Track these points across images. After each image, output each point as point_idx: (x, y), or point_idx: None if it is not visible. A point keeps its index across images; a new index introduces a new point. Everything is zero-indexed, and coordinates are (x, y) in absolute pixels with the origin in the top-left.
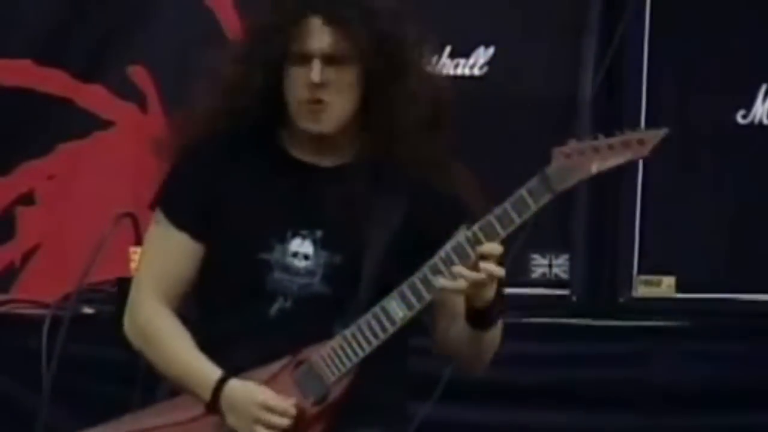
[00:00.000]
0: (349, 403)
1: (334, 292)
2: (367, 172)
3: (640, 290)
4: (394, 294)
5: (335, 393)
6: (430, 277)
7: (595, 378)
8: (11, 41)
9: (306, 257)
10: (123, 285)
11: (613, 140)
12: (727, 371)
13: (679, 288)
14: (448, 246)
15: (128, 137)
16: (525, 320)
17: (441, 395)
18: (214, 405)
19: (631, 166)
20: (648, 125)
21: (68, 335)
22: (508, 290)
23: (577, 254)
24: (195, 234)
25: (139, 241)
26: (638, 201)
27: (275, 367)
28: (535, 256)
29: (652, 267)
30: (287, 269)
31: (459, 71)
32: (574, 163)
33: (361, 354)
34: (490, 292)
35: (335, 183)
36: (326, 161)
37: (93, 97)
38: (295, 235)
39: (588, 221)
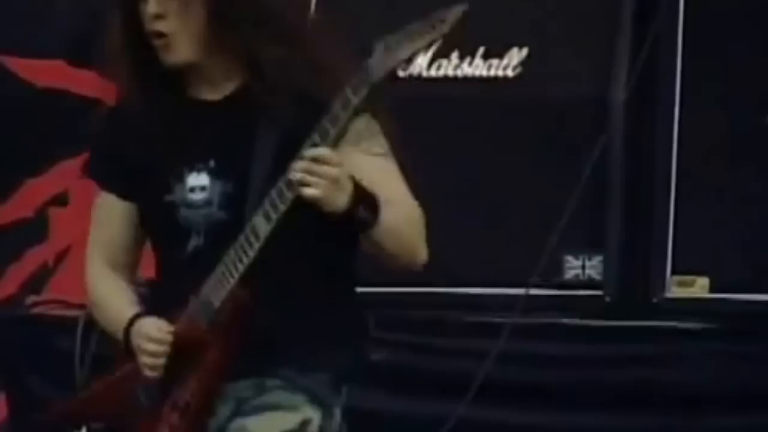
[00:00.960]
0: (262, 339)
1: (231, 218)
2: (247, 99)
3: (674, 291)
4: (259, 210)
5: (223, 316)
6: (282, 186)
7: (628, 379)
8: (45, 42)
9: (203, 189)
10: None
11: (419, 24)
12: (762, 372)
13: (713, 288)
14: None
15: None
16: (558, 321)
17: (474, 395)
18: (126, 347)
19: (665, 169)
20: (682, 126)
21: (101, 336)
22: (540, 291)
23: (611, 255)
24: (120, 194)
25: None
26: (672, 201)
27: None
28: (569, 257)
29: (685, 268)
30: (190, 205)
31: (492, 72)
32: (389, 52)
33: (236, 274)
34: (340, 198)
35: (221, 114)
36: (214, 94)
37: None
38: (191, 170)
39: (621, 222)
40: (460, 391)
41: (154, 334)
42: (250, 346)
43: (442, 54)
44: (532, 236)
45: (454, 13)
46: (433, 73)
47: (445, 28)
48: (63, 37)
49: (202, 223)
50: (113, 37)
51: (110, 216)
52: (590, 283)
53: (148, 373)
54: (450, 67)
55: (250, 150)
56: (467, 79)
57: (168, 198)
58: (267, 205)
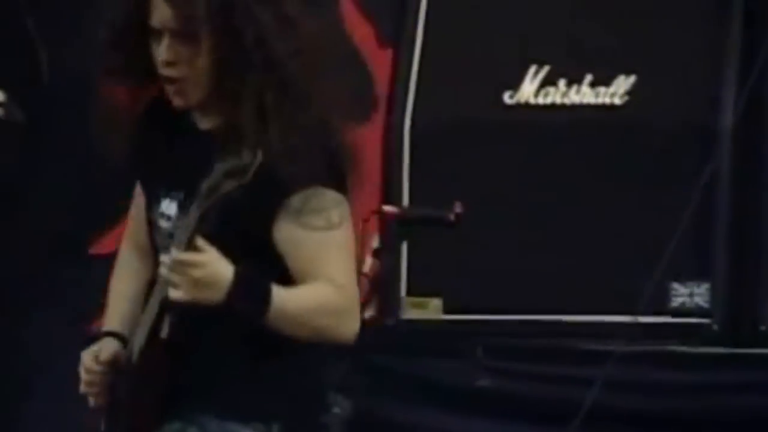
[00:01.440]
0: (196, 386)
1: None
2: (225, 136)
3: None
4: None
5: (135, 357)
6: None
7: (737, 406)
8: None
9: (169, 218)
10: None
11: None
12: None
13: None
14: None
15: None
16: (666, 349)
17: (581, 423)
18: None
19: None
20: None
21: None
22: (648, 319)
23: (718, 283)
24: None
25: None
26: None
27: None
28: (676, 285)
29: None
30: (158, 229)
31: (600, 100)
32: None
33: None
34: (210, 295)
35: (202, 145)
36: (203, 123)
37: None
38: (166, 196)
39: (728, 249)
40: (567, 419)
41: (86, 363)
42: (176, 391)
43: (549, 81)
44: (639, 264)
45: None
46: (540, 100)
47: (246, 179)
48: None
49: (164, 251)
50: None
51: (140, 202)
52: (698, 311)
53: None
54: (558, 94)
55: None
56: (575, 107)
57: (148, 214)
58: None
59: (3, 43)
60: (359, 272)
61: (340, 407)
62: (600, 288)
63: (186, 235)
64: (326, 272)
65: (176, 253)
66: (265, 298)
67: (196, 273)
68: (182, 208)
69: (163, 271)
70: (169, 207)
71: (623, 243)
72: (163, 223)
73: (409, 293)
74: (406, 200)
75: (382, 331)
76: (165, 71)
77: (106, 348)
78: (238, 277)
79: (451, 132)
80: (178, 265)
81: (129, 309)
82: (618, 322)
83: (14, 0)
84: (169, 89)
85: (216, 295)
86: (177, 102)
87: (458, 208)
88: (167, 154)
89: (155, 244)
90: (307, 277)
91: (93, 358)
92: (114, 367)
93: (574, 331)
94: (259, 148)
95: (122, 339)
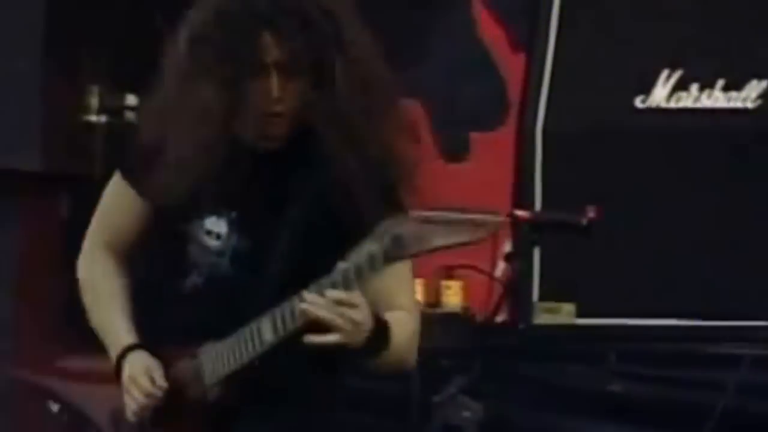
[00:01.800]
0: (243, 408)
1: (239, 277)
2: (296, 160)
3: None
4: (269, 314)
5: (212, 395)
6: (296, 306)
7: None
8: None
9: (218, 237)
10: None
11: (460, 217)
12: None
13: None
14: (326, 278)
15: None
16: None
17: (714, 427)
18: (117, 370)
19: None
20: None
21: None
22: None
23: None
24: (140, 192)
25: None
26: None
27: (176, 351)
28: None
29: None
30: (201, 244)
31: (731, 104)
32: (423, 231)
33: (234, 366)
34: (359, 338)
35: (261, 167)
36: (264, 144)
37: None
38: (212, 212)
39: None
40: (700, 423)
41: (146, 388)
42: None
43: (681, 86)
44: None
45: (493, 224)
46: (672, 104)
47: (480, 235)
48: None
49: (206, 268)
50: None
51: (122, 203)
52: None
53: (129, 415)
54: (689, 99)
55: (278, 216)
56: (706, 111)
57: (183, 226)
58: (278, 317)
59: (134, 45)
60: (492, 276)
61: (471, 411)
62: (733, 292)
63: (352, 285)
64: (403, 303)
65: (340, 294)
66: (387, 335)
67: (357, 316)
68: (234, 227)
69: (314, 309)
70: (216, 224)
71: (757, 247)
72: (210, 241)
73: (541, 298)
74: (538, 205)
75: (514, 335)
76: (273, 106)
77: (150, 366)
78: (374, 317)
79: (582, 136)
80: (344, 305)
81: (129, 314)
82: (751, 326)
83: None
84: (274, 122)
85: (361, 338)
86: (274, 132)
87: (591, 212)
88: (210, 168)
89: (184, 256)
90: (381, 306)
91: (150, 380)
92: (177, 392)
93: (707, 336)
94: (329, 172)
95: (145, 349)
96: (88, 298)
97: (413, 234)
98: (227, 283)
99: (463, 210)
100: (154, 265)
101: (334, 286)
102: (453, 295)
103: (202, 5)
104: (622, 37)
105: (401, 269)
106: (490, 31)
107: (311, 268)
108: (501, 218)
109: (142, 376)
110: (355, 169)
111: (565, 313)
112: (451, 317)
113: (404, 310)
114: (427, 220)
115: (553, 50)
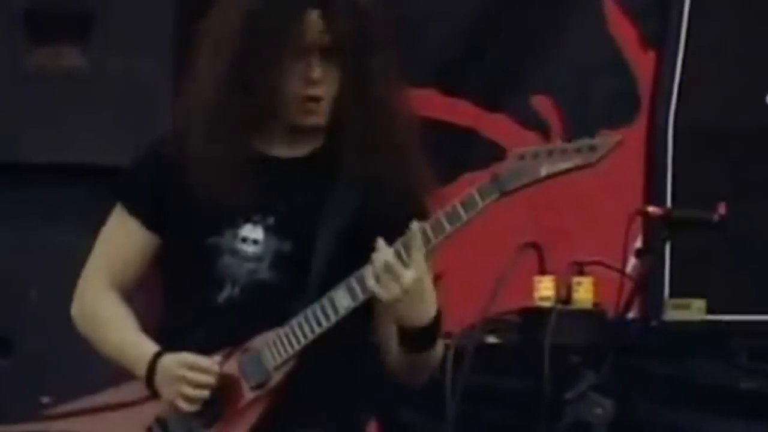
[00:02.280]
0: (294, 398)
1: (281, 280)
2: (327, 163)
3: None
4: (342, 284)
5: (276, 379)
6: (369, 283)
7: None
8: (417, 70)
9: (255, 242)
10: (527, 315)
11: (567, 145)
12: None
13: None
14: (400, 241)
15: None
16: None
17: None
18: (149, 380)
19: None
20: None
21: (472, 365)
22: None
23: None
24: (147, 221)
25: (543, 271)
26: None
27: (219, 354)
28: None
29: None
30: (236, 254)
31: None
32: (526, 165)
33: (303, 341)
34: (420, 312)
35: (293, 172)
36: (289, 152)
37: (497, 126)
38: (247, 221)
39: None
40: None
41: (202, 363)
42: (286, 408)
43: None
44: None
45: (607, 143)
46: None
47: (593, 158)
48: (434, 66)
49: (243, 277)
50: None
51: (126, 237)
52: None
53: (184, 405)
54: None
55: (318, 214)
56: None
57: (213, 240)
58: (354, 283)
59: None
60: (623, 273)
61: (602, 408)
62: None
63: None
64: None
65: (390, 257)
66: (436, 335)
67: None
68: (272, 231)
69: (378, 265)
70: (253, 231)
71: None
72: (247, 248)
73: (671, 294)
74: (669, 201)
75: (645, 332)
76: (312, 90)
77: (190, 355)
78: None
79: (713, 133)
80: (390, 268)
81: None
82: None
83: None
84: (311, 107)
85: (431, 310)
86: (313, 121)
87: (722, 209)
88: (232, 180)
89: (214, 272)
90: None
91: (200, 363)
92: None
93: None
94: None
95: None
96: (98, 330)
97: (512, 170)
98: (268, 287)
99: (569, 139)
100: (182, 284)
101: (425, 238)
102: (584, 292)
103: None
104: (753, 32)
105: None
106: (621, 28)
107: (351, 269)
108: (613, 139)
109: (193, 357)
110: (385, 170)
111: (695, 310)
112: (582, 314)
113: None
114: (529, 154)
115: (684, 46)
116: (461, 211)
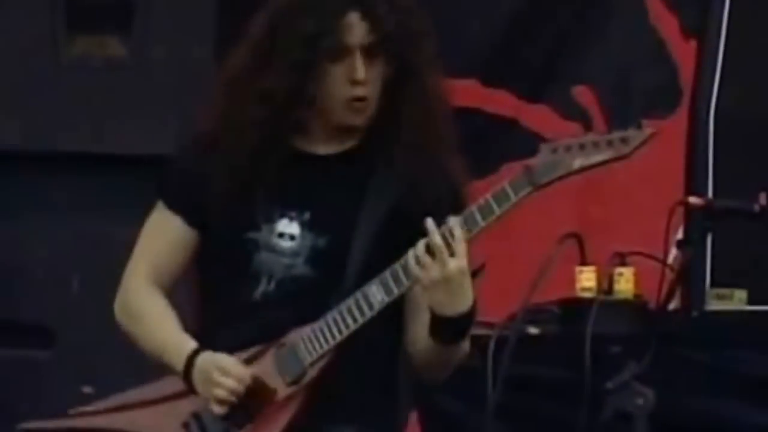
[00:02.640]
0: (328, 395)
1: (317, 275)
2: (364, 159)
3: None
4: (376, 279)
5: (311, 374)
6: (411, 264)
7: None
8: (458, 61)
9: (292, 238)
10: (568, 306)
11: (598, 138)
12: None
13: None
14: (440, 230)
15: None
16: None
17: None
18: (187, 376)
19: None
20: None
21: (513, 355)
22: None
23: None
24: (188, 219)
25: (584, 262)
26: None
27: (255, 349)
28: None
29: None
30: (273, 249)
31: None
32: (558, 157)
33: (338, 337)
34: (457, 301)
35: (330, 168)
36: (326, 149)
37: (538, 116)
38: (283, 215)
39: None
40: None
41: (234, 371)
42: (321, 405)
43: None
44: None
45: (639, 135)
46: None
47: (626, 150)
48: (476, 56)
49: (279, 272)
50: (257, 82)
51: (168, 234)
52: None
53: (215, 407)
54: None
55: (355, 210)
56: None
57: (250, 235)
58: (388, 278)
59: None
60: (664, 263)
61: (644, 398)
62: None
63: (480, 224)
64: None
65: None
66: (468, 329)
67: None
68: (308, 227)
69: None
70: (289, 226)
71: None
72: (283, 243)
73: (713, 284)
74: (710, 192)
75: (687, 322)
76: (357, 90)
77: (226, 356)
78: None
79: (755, 122)
80: (438, 250)
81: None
82: None
83: None
84: (358, 107)
85: (467, 301)
86: (361, 120)
87: (763, 199)
88: (270, 178)
89: (250, 267)
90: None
91: (240, 366)
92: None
93: None
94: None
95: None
96: (139, 326)
97: (545, 163)
98: (304, 282)
99: (601, 132)
100: (219, 279)
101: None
102: (625, 282)
103: None
104: None
105: None
106: (662, 18)
107: (386, 264)
108: (646, 131)
109: (226, 362)
110: (430, 166)
111: (737, 300)
112: (624, 304)
113: None
114: (562, 147)
115: (725, 36)
116: (494, 206)
